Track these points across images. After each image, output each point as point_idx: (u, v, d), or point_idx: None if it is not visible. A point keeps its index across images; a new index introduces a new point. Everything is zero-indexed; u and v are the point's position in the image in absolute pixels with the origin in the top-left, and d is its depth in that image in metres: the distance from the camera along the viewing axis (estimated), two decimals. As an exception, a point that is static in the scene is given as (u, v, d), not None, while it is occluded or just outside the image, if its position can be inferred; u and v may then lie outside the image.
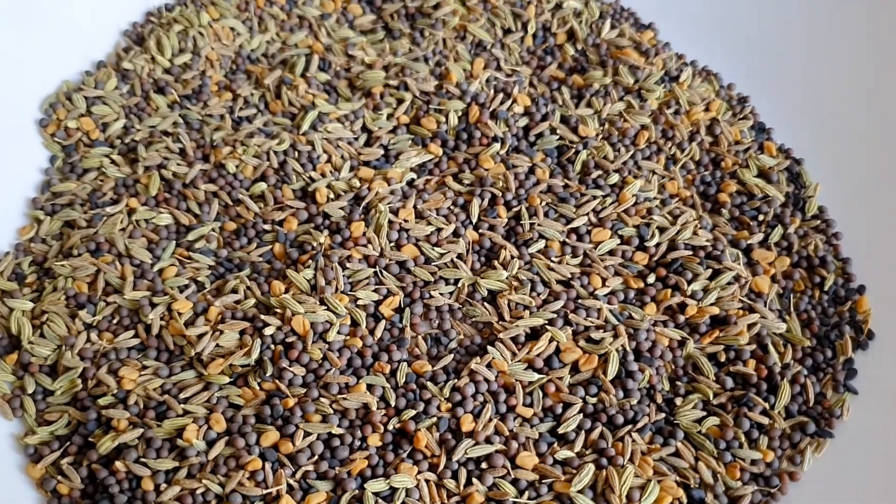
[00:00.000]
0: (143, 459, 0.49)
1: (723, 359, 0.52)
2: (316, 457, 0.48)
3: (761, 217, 0.58)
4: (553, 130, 0.62)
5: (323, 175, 0.60)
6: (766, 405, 0.50)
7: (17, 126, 0.64)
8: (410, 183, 0.61)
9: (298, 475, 0.48)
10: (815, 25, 0.67)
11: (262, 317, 0.52)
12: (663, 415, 0.50)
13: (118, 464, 0.48)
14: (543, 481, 0.48)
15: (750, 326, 0.53)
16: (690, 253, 0.55)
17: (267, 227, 0.58)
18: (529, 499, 0.47)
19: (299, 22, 0.72)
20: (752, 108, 0.65)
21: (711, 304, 0.53)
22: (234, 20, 0.70)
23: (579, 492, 0.47)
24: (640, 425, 0.49)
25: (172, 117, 0.64)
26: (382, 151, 0.62)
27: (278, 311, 0.53)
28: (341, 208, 0.58)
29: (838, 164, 0.61)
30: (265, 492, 0.47)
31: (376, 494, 0.47)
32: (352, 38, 0.70)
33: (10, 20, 0.65)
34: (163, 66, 0.67)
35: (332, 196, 0.59)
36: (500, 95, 0.63)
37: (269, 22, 0.71)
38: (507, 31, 0.70)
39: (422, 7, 0.71)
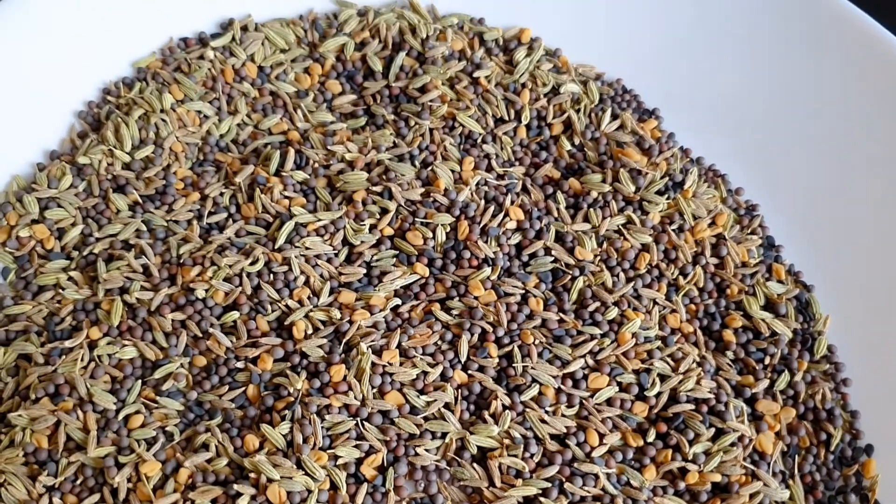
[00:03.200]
0: None
1: (723, 534, 0.50)
2: None
3: (767, 360, 0.55)
4: (548, 251, 0.58)
5: (300, 303, 0.56)
6: (767, 593, 0.48)
7: (-38, 232, 0.58)
8: (395, 309, 0.56)
9: None
10: (838, 126, 0.62)
11: (236, 486, 0.49)
12: None
13: None
14: None
15: (752, 496, 0.50)
16: (693, 408, 0.52)
17: (240, 364, 0.54)
18: None
19: (272, 101, 0.65)
20: (760, 220, 0.61)
21: (713, 471, 0.51)
22: (200, 102, 0.64)
23: None
24: None
25: (135, 224, 0.59)
26: (365, 270, 0.58)
27: (252, 475, 0.50)
28: (320, 346, 0.54)
29: (851, 292, 0.58)
30: None
31: None
32: (331, 125, 0.64)
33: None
34: (122, 160, 0.61)
35: (310, 330, 0.55)
36: (492, 207, 0.59)
37: (239, 101, 0.65)
38: (499, 121, 0.64)
39: (407, 88, 0.65)
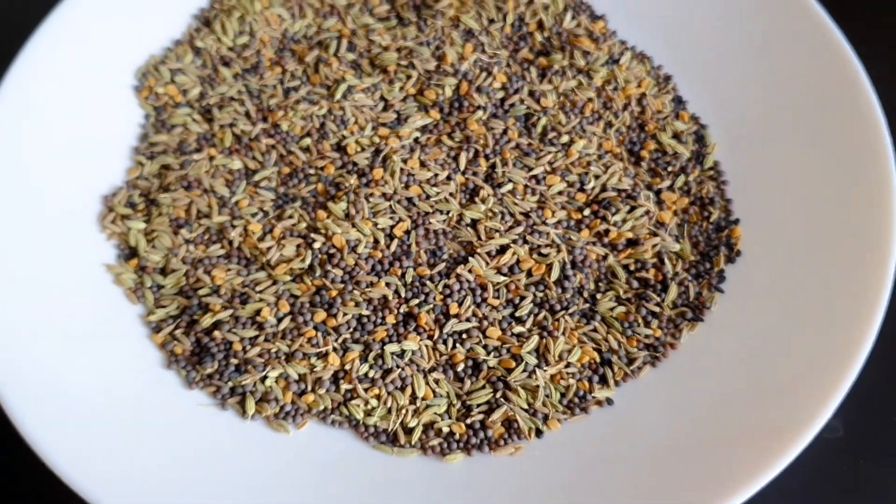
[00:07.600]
0: (233, 330, 0.72)
1: (632, 268, 0.75)
2: (351, 328, 0.71)
3: (671, 168, 0.80)
4: (522, 101, 0.83)
5: (352, 133, 0.82)
6: (659, 299, 0.73)
7: (119, 92, 0.85)
8: (416, 140, 0.82)
9: (339, 341, 0.71)
10: (726, 20, 0.87)
11: (312, 235, 0.75)
12: (588, 305, 0.73)
13: (216, 333, 0.71)
14: (504, 346, 0.71)
15: (653, 246, 0.75)
16: (616, 194, 0.77)
17: (312, 171, 0.80)
18: (494, 357, 0.71)
19: (330, 10, 0.92)
20: (673, 85, 0.86)
21: (627, 231, 0.76)
22: (281, 8, 0.90)
23: (528, 352, 0.70)
24: (571, 311, 0.72)
25: (237, 86, 0.85)
26: (395, 116, 0.83)
27: (322, 231, 0.75)
28: (366, 158, 0.80)
29: (732, 130, 0.82)
30: (317, 350, 0.70)
31: (392, 353, 0.70)
32: (371, 25, 0.90)
33: (109, 7, 0.86)
34: (227, 45, 0.88)
35: (358, 149, 0.81)
36: (484, 74, 0.84)
37: (308, 10, 0.91)
38: (490, 21, 0.90)
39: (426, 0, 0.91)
